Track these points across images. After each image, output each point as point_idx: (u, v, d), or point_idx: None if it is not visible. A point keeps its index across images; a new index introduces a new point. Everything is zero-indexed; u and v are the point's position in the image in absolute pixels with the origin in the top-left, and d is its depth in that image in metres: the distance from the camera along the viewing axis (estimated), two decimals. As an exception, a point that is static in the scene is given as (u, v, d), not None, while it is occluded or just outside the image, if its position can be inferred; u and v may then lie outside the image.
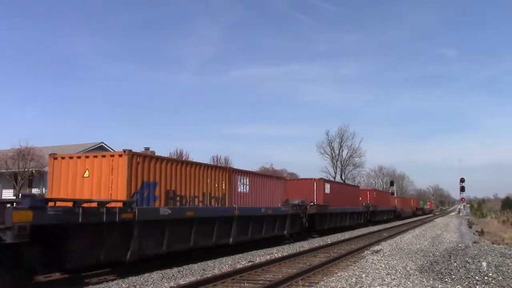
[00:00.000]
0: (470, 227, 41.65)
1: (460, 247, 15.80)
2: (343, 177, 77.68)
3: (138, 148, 22.54)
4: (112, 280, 10.58)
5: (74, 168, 12.12)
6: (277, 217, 19.94)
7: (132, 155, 11.85)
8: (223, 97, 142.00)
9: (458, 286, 10.07)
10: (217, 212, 15.31)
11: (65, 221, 9.14)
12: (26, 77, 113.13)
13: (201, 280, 10.18)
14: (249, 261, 14.24)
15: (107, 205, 10.39)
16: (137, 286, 10.05)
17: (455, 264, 11.98)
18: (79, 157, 12.41)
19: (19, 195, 20.12)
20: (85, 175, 11.98)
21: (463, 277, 10.64)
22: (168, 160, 13.68)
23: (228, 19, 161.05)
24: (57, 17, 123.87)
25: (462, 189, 68.69)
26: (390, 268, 12.52)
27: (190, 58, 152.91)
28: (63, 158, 12.36)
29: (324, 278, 11.06)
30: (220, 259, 14.67)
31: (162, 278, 10.94)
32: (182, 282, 10.35)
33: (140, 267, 11.87)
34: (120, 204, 11.02)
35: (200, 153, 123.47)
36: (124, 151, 11.81)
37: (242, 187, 17.30)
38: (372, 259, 14.56)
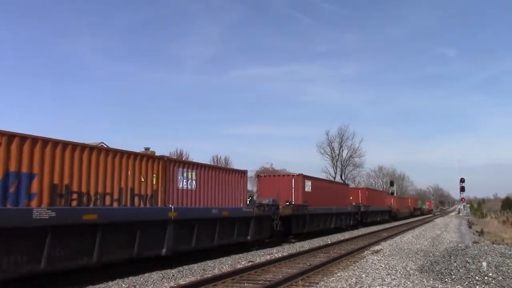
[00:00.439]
0: (470, 227, 41.63)
1: (460, 247, 15.82)
2: (343, 177, 77.70)
3: (138, 148, 22.37)
4: (112, 280, 10.58)
5: None
6: (236, 220, 16.47)
7: None
8: (223, 97, 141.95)
9: (458, 286, 10.06)
10: (140, 215, 11.82)
11: None
12: (26, 77, 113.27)
13: (201, 280, 10.18)
14: (249, 261, 14.25)
15: None
16: (137, 286, 10.06)
17: (455, 264, 11.99)
18: None
19: None
20: None
21: (463, 277, 10.64)
22: (55, 142, 9.81)
23: (228, 19, 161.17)
24: (57, 17, 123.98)
25: (462, 189, 68.92)
26: (390, 268, 12.52)
27: (190, 58, 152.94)
28: None
29: (324, 278, 11.06)
30: (220, 259, 14.68)
31: (162, 278, 10.95)
32: (182, 282, 10.35)
33: (140, 267, 11.89)
34: None
35: (200, 153, 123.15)
36: None
37: (185, 183, 14.01)
38: (372, 259, 14.56)
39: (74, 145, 10.32)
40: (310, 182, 25.64)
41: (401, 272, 11.85)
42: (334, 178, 73.50)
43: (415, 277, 11.14)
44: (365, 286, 9.97)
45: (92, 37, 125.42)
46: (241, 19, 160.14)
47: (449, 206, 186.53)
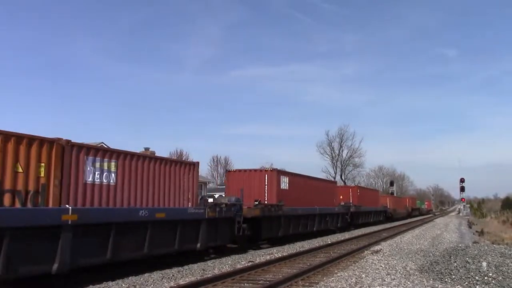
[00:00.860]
0: (470, 227, 41.61)
1: (460, 247, 15.82)
2: (343, 177, 77.86)
3: (138, 148, 22.07)
4: (112, 280, 10.58)
5: None
6: (178, 223, 13.16)
7: None
8: (223, 97, 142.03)
9: (458, 286, 10.07)
10: (8, 219, 8.31)
11: None
12: (26, 77, 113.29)
13: (201, 280, 10.19)
14: (249, 261, 14.26)
15: None
16: (137, 286, 10.07)
17: (455, 264, 11.99)
18: None
19: None
20: None
21: (463, 277, 10.65)
22: None
23: (228, 19, 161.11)
24: (57, 17, 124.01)
25: (462, 189, 68.89)
26: (390, 268, 12.53)
27: (190, 58, 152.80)
28: None
29: (324, 278, 11.07)
30: (220, 259, 14.69)
31: (162, 278, 10.95)
32: (182, 282, 10.36)
33: (140, 267, 11.89)
34: None
35: (200, 153, 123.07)
36: None
37: (97, 176, 10.93)
38: (372, 259, 14.57)
39: None
40: (287, 179, 22.19)
41: (401, 272, 11.86)
42: (334, 178, 73.59)
43: (415, 277, 11.15)
44: (365, 286, 9.98)
45: (92, 37, 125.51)
46: (241, 19, 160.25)
47: (449, 206, 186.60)
